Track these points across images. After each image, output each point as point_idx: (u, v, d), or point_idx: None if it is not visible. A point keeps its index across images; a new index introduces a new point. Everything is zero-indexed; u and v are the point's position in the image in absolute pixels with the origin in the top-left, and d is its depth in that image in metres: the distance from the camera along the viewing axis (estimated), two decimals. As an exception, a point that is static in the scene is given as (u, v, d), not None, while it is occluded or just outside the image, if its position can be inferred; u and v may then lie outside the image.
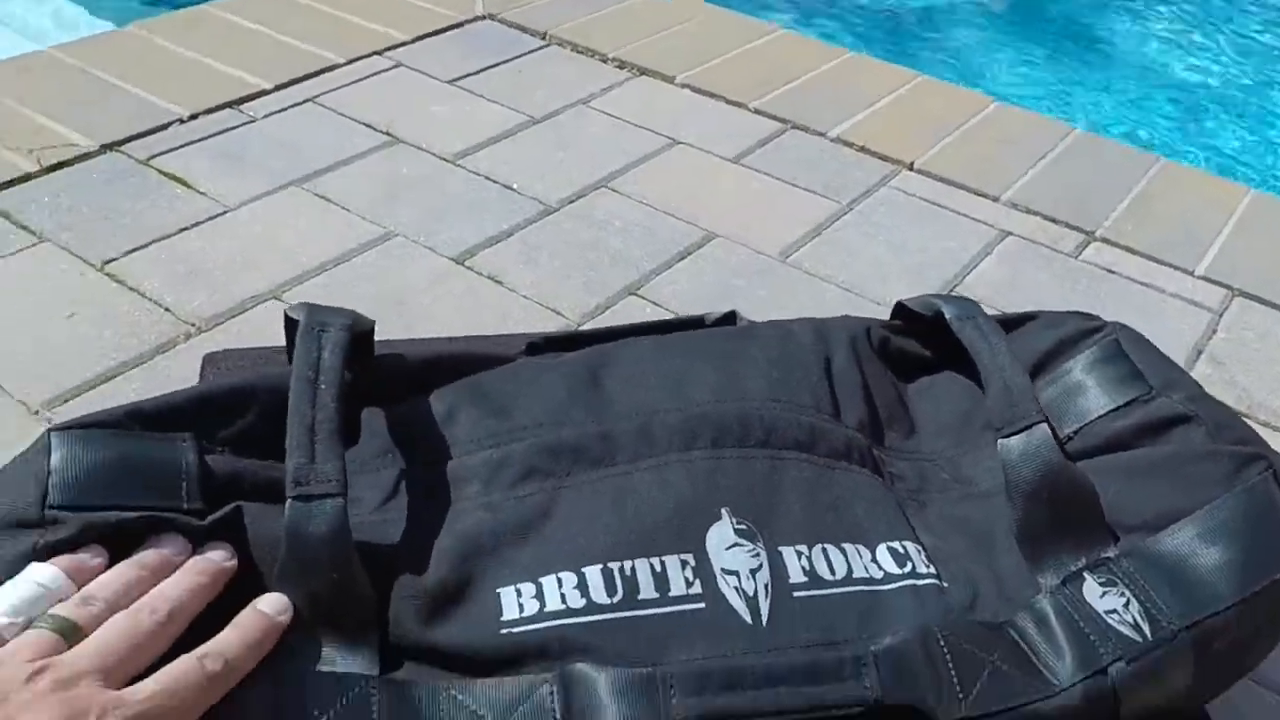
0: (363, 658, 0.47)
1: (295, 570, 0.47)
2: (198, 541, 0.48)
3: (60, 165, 1.08)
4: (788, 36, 1.49)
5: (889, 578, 0.52)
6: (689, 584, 0.50)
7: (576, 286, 0.97)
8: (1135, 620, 0.51)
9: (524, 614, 0.49)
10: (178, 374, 0.83)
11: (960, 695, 0.47)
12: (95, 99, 1.20)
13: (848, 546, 0.53)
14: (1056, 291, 1.01)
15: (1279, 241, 1.10)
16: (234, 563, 0.48)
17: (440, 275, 0.97)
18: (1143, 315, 0.97)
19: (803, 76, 1.37)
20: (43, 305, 0.90)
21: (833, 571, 0.52)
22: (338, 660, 0.47)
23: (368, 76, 1.30)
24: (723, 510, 0.53)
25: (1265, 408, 0.89)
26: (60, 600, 0.43)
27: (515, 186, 1.11)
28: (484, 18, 1.46)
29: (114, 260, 0.95)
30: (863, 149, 1.22)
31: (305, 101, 1.23)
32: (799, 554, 0.52)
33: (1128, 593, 0.52)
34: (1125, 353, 0.62)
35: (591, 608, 0.49)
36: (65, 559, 0.45)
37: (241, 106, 1.21)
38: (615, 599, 0.49)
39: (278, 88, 1.26)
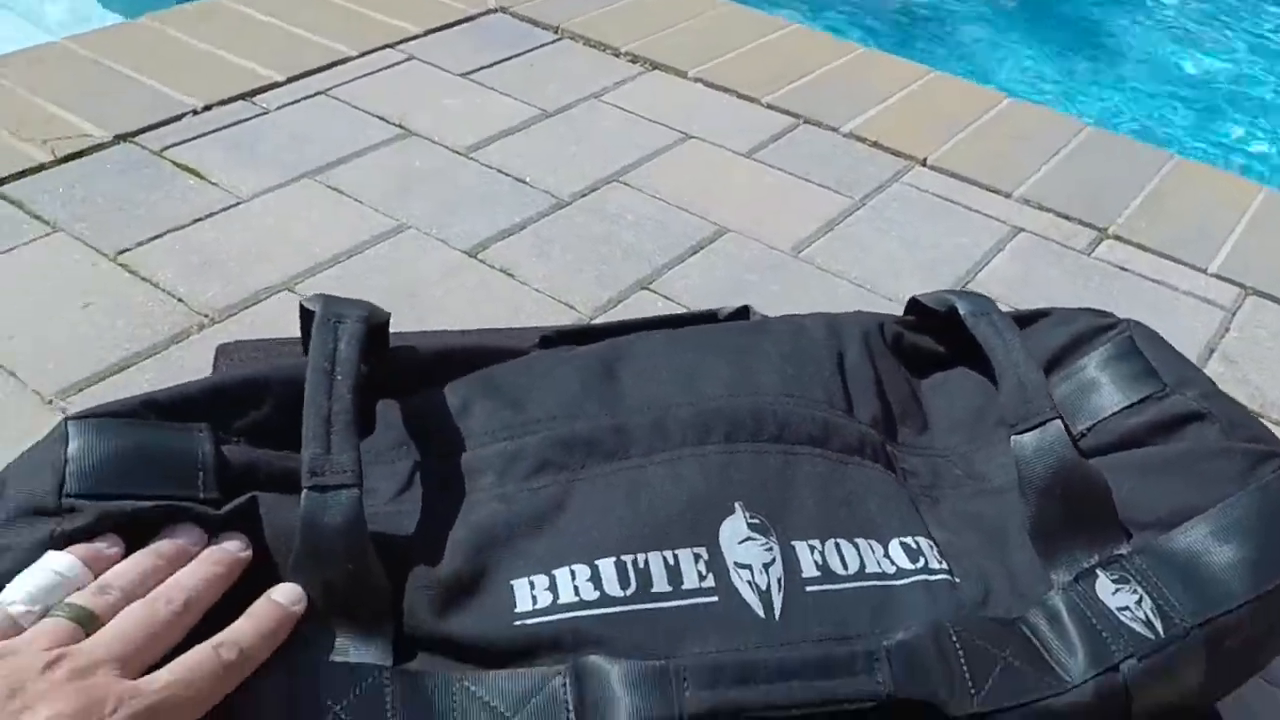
0: (377, 648, 0.47)
1: (310, 560, 0.47)
2: (213, 531, 0.48)
3: (74, 156, 1.08)
4: (800, 31, 1.49)
5: (901, 573, 0.52)
6: (702, 577, 0.50)
7: (588, 280, 0.97)
8: (1148, 617, 0.50)
9: (537, 606, 0.49)
10: (191, 365, 0.84)
11: (972, 691, 0.47)
12: (109, 90, 1.20)
13: (860, 541, 0.53)
14: (1069, 288, 1.00)
15: (1293, 240, 1.10)
16: (249, 553, 0.48)
17: (452, 268, 0.97)
18: (1155, 313, 0.97)
19: (815, 71, 1.37)
20: (56, 295, 0.90)
21: (845, 566, 0.52)
22: (351, 650, 0.47)
23: (380, 69, 1.30)
24: (736, 504, 0.53)
25: (1278, 406, 0.88)
26: (77, 589, 0.43)
27: (528, 180, 1.11)
28: (496, 11, 1.46)
29: (127, 251, 0.96)
30: (875, 144, 1.22)
31: (318, 94, 1.24)
32: (812, 548, 0.52)
33: (1140, 590, 0.52)
34: (1139, 350, 0.62)
35: (605, 600, 0.49)
36: (82, 547, 0.45)
37: (254, 98, 1.22)
38: (628, 592, 0.49)
39: (290, 80, 1.26)
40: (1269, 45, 2.44)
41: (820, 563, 0.52)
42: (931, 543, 0.55)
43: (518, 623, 0.48)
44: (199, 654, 0.42)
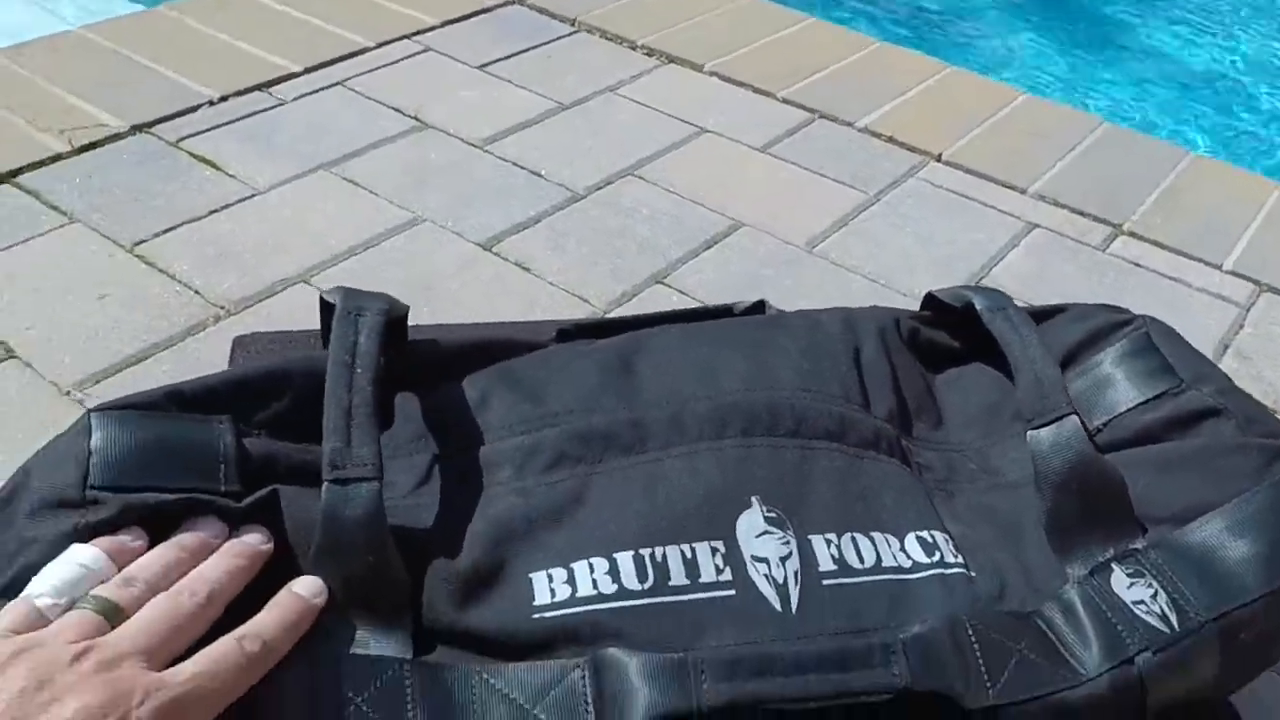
0: (396, 640, 0.47)
1: (331, 553, 0.48)
2: (234, 524, 0.48)
3: (91, 146, 1.09)
4: (817, 25, 1.49)
5: (917, 567, 0.53)
6: (719, 571, 0.50)
7: (603, 274, 0.97)
8: (1163, 611, 0.51)
9: (556, 599, 0.49)
10: (207, 356, 0.84)
11: (988, 684, 0.47)
12: (125, 80, 1.20)
13: (876, 535, 0.53)
14: (1083, 285, 1.00)
15: (1309, 236, 1.10)
16: (270, 545, 0.48)
17: (468, 261, 0.97)
18: (1169, 309, 0.97)
19: (831, 66, 1.37)
20: (73, 286, 0.90)
21: (862, 560, 0.52)
22: (372, 643, 0.47)
23: (397, 61, 1.30)
24: (753, 498, 0.53)
25: (1293, 402, 0.89)
26: (101, 581, 0.44)
27: (543, 173, 1.11)
28: (513, 3, 1.46)
29: (144, 242, 0.96)
30: (891, 140, 1.22)
31: (334, 85, 1.24)
32: (828, 542, 0.52)
33: (1155, 584, 0.52)
34: (1155, 346, 0.62)
35: (623, 593, 0.49)
36: (106, 540, 0.45)
37: (271, 89, 1.22)
38: (646, 585, 0.49)
39: (307, 71, 1.26)
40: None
41: (837, 556, 0.52)
42: (947, 537, 0.55)
43: (536, 615, 0.48)
44: (223, 646, 0.42)
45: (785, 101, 1.28)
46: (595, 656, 0.46)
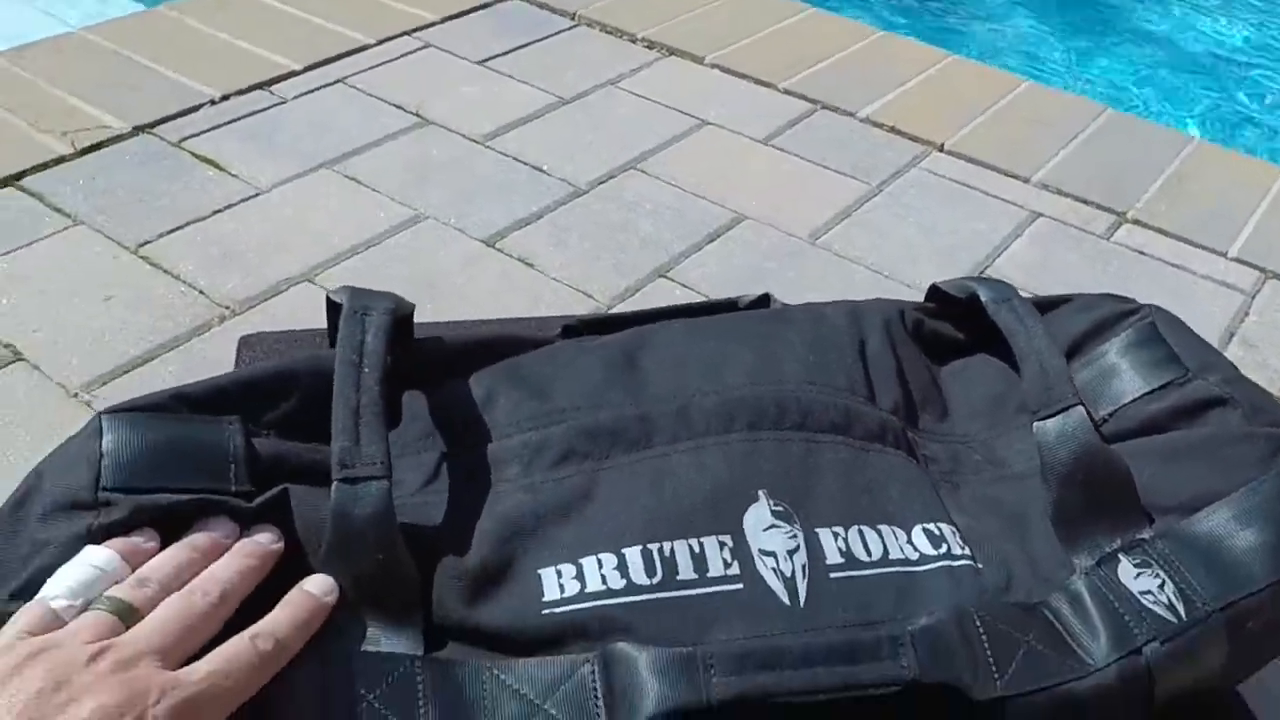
0: (407, 638, 0.48)
1: (341, 551, 0.48)
2: (245, 524, 0.49)
3: (93, 148, 1.09)
4: (817, 16, 1.48)
5: (924, 559, 0.53)
6: (727, 565, 0.50)
7: (606, 268, 0.97)
8: (1170, 601, 0.51)
9: (565, 594, 0.49)
10: (213, 357, 0.84)
11: (996, 675, 0.48)
12: (127, 81, 1.21)
13: (883, 528, 0.54)
14: (1087, 273, 1.00)
15: (1312, 222, 1.10)
16: (281, 545, 0.48)
17: (471, 257, 0.97)
18: (1174, 297, 0.97)
19: (832, 56, 1.36)
20: (79, 288, 0.91)
21: (869, 553, 0.52)
22: (383, 640, 0.47)
23: (397, 57, 1.30)
24: (760, 492, 0.53)
25: (1298, 389, 0.89)
26: (115, 582, 0.44)
27: (545, 168, 1.11)
28: (512, -2, 1.46)
29: (148, 243, 0.96)
30: (893, 130, 1.22)
31: (335, 83, 1.24)
32: (835, 535, 0.52)
33: (1162, 574, 0.52)
34: (1161, 335, 0.62)
35: (631, 588, 0.49)
36: (119, 541, 0.46)
37: (272, 88, 1.22)
38: (655, 580, 0.49)
39: (307, 69, 1.26)
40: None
41: (844, 549, 0.52)
42: (954, 528, 0.55)
43: (546, 611, 0.49)
44: (236, 645, 0.42)
45: (787, 93, 1.28)
46: (604, 651, 0.46)
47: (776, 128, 1.21)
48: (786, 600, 0.50)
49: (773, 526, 0.52)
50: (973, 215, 1.08)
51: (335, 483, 0.48)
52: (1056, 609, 0.51)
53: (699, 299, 0.92)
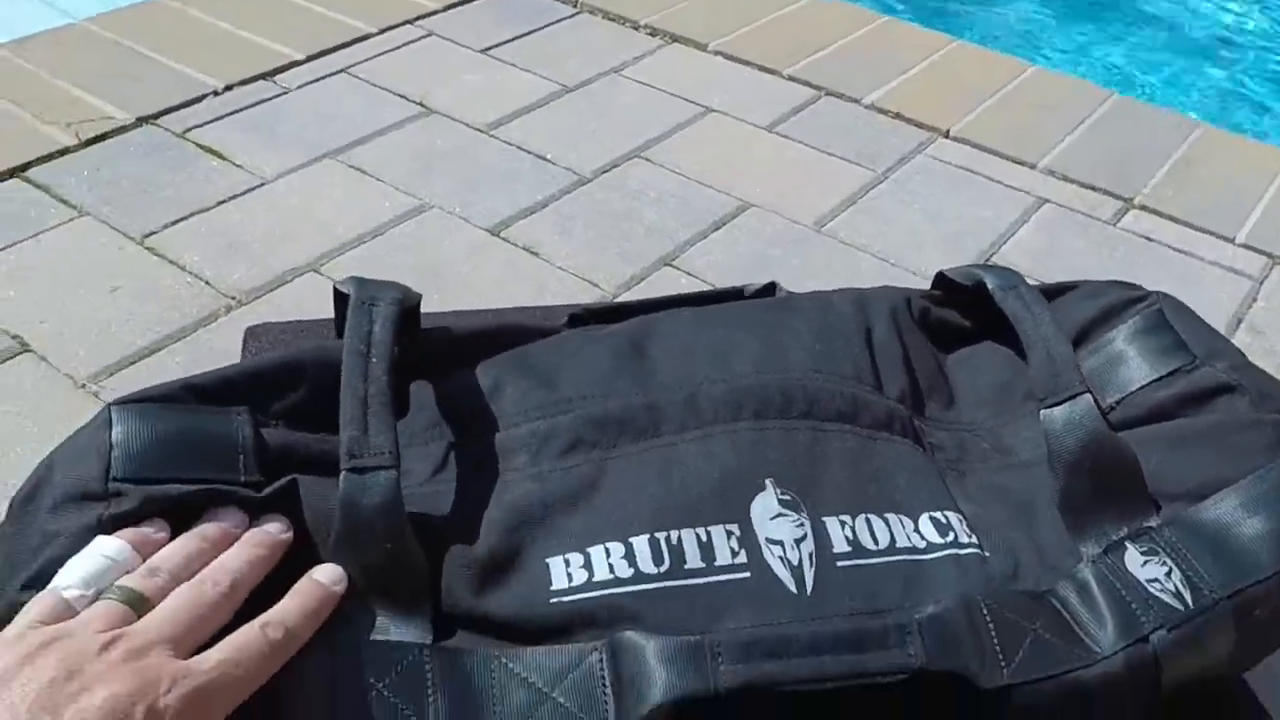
0: (416, 626, 0.48)
1: (349, 541, 0.48)
2: (254, 514, 0.49)
3: (98, 139, 1.09)
4: (820, 2, 1.48)
5: (931, 547, 0.53)
6: (734, 554, 0.51)
7: (612, 257, 0.97)
8: (1177, 588, 0.51)
9: (573, 583, 0.49)
10: (220, 347, 0.84)
11: (1003, 663, 0.48)
12: (130, 71, 1.21)
13: (890, 516, 0.54)
14: (1094, 260, 1.00)
15: (1319, 207, 1.09)
16: (290, 535, 0.49)
17: (476, 246, 0.97)
18: (1181, 283, 0.97)
19: (836, 42, 1.36)
20: (85, 279, 0.91)
21: (876, 541, 0.52)
22: (392, 629, 0.48)
23: (400, 46, 1.30)
24: (767, 481, 0.53)
25: (1305, 375, 0.88)
26: (126, 572, 0.44)
27: (549, 157, 1.11)
28: (515, -14, 1.46)
29: (154, 234, 0.97)
30: (897, 116, 1.21)
31: (338, 72, 1.24)
32: (842, 524, 0.53)
33: (1169, 561, 0.52)
34: (1168, 322, 0.62)
35: (639, 577, 0.49)
36: (130, 532, 0.46)
37: (275, 78, 1.22)
38: (662, 569, 0.50)
39: (310, 58, 1.26)
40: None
41: (851, 538, 0.52)
42: (960, 517, 0.55)
43: (554, 600, 0.49)
44: (246, 634, 0.43)
45: (791, 79, 1.28)
46: (612, 640, 0.46)
47: (780, 115, 1.21)
48: (794, 589, 0.50)
49: (780, 515, 0.52)
50: (978, 202, 1.08)
51: (343, 472, 0.48)
52: (1064, 597, 0.51)
53: (705, 287, 0.92)
